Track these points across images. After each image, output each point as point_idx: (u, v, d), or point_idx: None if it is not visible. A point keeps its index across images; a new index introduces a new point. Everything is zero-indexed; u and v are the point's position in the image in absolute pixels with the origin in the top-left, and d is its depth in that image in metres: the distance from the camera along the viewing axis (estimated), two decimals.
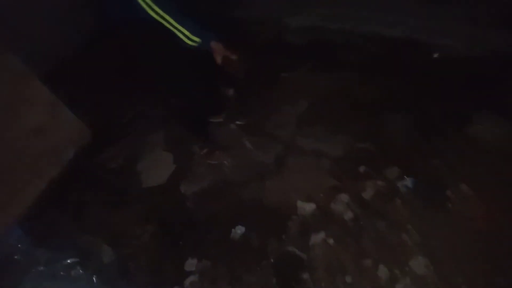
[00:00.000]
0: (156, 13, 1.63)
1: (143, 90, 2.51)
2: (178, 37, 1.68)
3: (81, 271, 1.76)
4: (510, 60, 1.97)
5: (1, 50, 1.34)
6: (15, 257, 1.73)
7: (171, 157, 2.23)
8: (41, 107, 1.48)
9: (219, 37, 1.72)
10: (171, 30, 1.66)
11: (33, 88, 1.44)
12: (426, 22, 2.09)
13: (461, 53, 2.09)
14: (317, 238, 1.69)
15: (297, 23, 2.48)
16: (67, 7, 2.43)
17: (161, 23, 1.65)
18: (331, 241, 1.67)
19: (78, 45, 2.53)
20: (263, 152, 2.14)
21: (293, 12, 2.41)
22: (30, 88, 1.43)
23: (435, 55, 2.09)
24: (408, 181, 1.78)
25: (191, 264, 1.77)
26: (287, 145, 2.14)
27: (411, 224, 1.60)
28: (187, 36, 1.68)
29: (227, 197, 1.99)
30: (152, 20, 1.64)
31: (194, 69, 2.00)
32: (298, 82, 2.42)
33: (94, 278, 1.74)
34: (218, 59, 1.73)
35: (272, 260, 1.68)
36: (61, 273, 1.75)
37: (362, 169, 1.91)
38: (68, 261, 1.82)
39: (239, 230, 1.84)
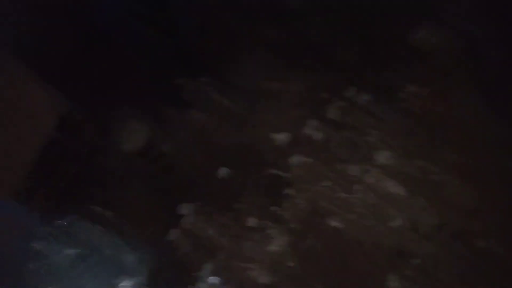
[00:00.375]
0: None
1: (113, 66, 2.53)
2: None
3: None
4: None
5: None
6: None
7: (146, 123, 2.32)
8: (12, 82, 1.54)
9: None
10: None
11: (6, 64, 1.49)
12: None
13: None
14: (294, 159, 1.86)
15: None
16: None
17: None
18: (306, 159, 1.85)
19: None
20: (232, 100, 2.27)
21: None
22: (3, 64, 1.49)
23: None
24: (365, 96, 1.97)
25: (184, 207, 1.90)
26: (252, 90, 2.28)
27: (371, 127, 1.80)
28: None
29: (206, 145, 2.12)
30: None
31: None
32: (251, 34, 2.55)
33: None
34: None
35: (257, 186, 1.84)
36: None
37: (323, 95, 2.09)
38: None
39: (224, 170, 1.98)
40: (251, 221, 1.74)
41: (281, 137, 1.98)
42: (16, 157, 1.62)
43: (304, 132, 1.96)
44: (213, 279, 1.73)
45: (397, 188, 1.57)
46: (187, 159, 2.11)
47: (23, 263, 1.86)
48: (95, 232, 1.81)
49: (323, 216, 1.62)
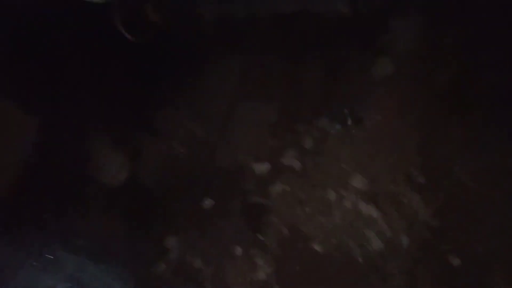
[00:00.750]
0: None
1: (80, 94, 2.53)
2: None
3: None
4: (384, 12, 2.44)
5: None
6: None
7: (122, 154, 2.33)
8: None
9: None
10: None
11: None
12: None
13: (348, 15, 2.52)
14: (274, 187, 1.96)
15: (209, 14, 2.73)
16: None
17: None
18: (286, 187, 1.95)
19: None
20: (205, 128, 2.36)
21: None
22: None
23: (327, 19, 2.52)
24: (337, 126, 2.13)
25: (169, 240, 1.93)
26: (226, 118, 2.38)
27: (345, 155, 1.95)
28: None
29: (187, 176, 2.17)
30: None
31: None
32: (222, 68, 2.67)
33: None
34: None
35: (241, 215, 1.91)
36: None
37: (299, 125, 2.22)
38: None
39: (206, 201, 2.04)
40: (237, 250, 1.80)
41: (262, 167, 2.08)
42: None
43: (282, 161, 2.07)
44: None
45: (373, 212, 1.71)
46: (169, 191, 2.15)
47: None
48: (80, 265, 1.78)
49: (305, 241, 1.72)
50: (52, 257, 1.80)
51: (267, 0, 2.56)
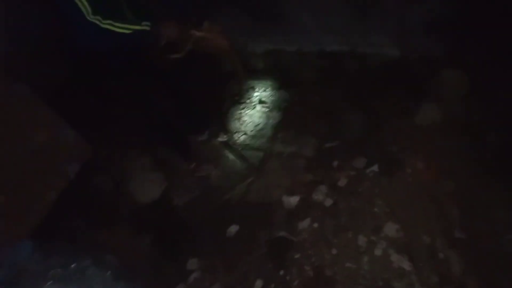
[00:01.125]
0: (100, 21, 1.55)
1: (125, 120, 2.67)
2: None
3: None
4: (434, 59, 2.40)
5: (12, 80, 1.53)
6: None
7: (161, 175, 2.40)
8: (45, 126, 1.66)
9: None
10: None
11: (38, 110, 1.62)
12: (362, 35, 2.52)
13: (395, 58, 2.51)
14: (303, 224, 1.92)
15: (259, 48, 2.83)
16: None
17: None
18: (315, 224, 1.91)
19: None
20: (245, 160, 2.38)
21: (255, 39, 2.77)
22: (36, 110, 1.62)
23: (373, 61, 2.51)
24: (374, 167, 2.07)
25: (192, 263, 1.92)
26: (265, 151, 2.40)
27: (380, 199, 1.88)
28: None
29: (218, 201, 2.19)
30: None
31: (169, 91, 2.24)
32: (267, 99, 2.72)
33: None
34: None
35: (265, 247, 1.88)
36: None
37: (334, 163, 2.19)
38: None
39: (233, 228, 2.03)
40: (257, 284, 1.76)
41: (292, 200, 2.05)
42: (37, 197, 1.68)
43: (314, 197, 2.04)
44: None
45: (404, 263, 1.62)
46: (198, 214, 2.17)
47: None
48: (105, 280, 1.82)
49: (328, 285, 1.65)
50: (78, 267, 1.84)
51: (316, 37, 2.61)
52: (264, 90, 2.77)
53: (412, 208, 1.79)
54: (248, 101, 2.71)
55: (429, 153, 2.05)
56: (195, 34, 1.68)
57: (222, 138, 2.53)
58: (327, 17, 2.52)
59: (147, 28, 1.62)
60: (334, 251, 1.75)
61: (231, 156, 2.43)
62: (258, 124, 2.57)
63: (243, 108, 2.68)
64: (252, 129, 2.55)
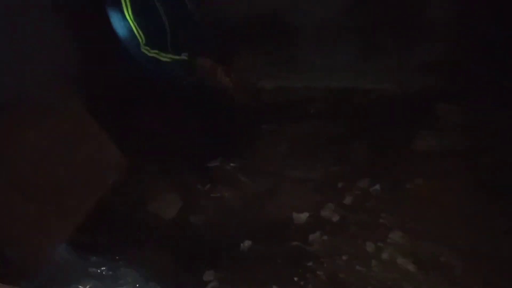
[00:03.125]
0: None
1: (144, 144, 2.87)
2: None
3: None
4: (430, 94, 2.66)
5: (67, 94, 1.77)
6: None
7: (177, 197, 2.56)
8: (92, 138, 1.87)
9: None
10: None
11: (86, 123, 1.84)
12: (365, 73, 2.83)
13: (395, 93, 2.78)
14: (314, 236, 2.05)
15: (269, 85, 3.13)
16: None
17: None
18: (325, 237, 2.04)
19: None
20: (257, 183, 2.56)
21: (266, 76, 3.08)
22: (85, 123, 1.84)
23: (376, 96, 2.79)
24: (377, 186, 2.25)
25: (208, 274, 2.02)
26: (276, 176, 2.58)
27: (384, 212, 2.03)
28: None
29: (232, 220, 2.33)
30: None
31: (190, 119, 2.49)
32: (276, 130, 2.96)
33: None
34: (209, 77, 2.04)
35: (278, 258, 1.99)
36: None
37: (340, 185, 2.37)
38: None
39: (247, 243, 2.15)
40: None
41: (302, 216, 2.20)
42: (80, 202, 1.84)
43: (322, 213, 2.19)
44: None
45: (410, 266, 1.74)
46: (213, 231, 2.30)
47: None
48: None
49: (341, 287, 1.75)
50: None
51: (322, 75, 2.91)
52: (274, 123, 3.01)
53: (415, 219, 1.94)
54: (258, 130, 2.94)
55: (428, 174, 2.23)
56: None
57: (235, 163, 2.72)
58: (333, 58, 2.85)
59: (186, 58, 1.97)
60: (344, 257, 1.87)
61: (243, 179, 2.61)
62: (269, 151, 2.77)
63: (254, 136, 2.90)
64: (263, 156, 2.75)
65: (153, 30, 1.90)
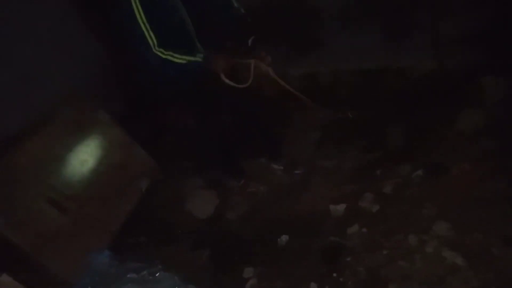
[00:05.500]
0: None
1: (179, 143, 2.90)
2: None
3: None
4: (470, 67, 2.45)
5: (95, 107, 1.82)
6: None
7: (214, 194, 2.57)
8: (121, 147, 1.91)
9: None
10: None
11: (115, 133, 1.88)
12: (397, 51, 2.64)
13: (432, 69, 2.59)
14: (352, 229, 1.98)
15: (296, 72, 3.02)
16: None
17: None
18: (364, 229, 1.96)
19: None
20: (290, 175, 2.51)
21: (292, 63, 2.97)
22: (113, 133, 1.87)
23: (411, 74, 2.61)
24: (419, 172, 2.12)
25: (248, 271, 2.02)
26: (310, 166, 2.52)
27: (428, 201, 1.91)
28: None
29: (267, 215, 2.31)
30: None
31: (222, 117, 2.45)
32: (306, 118, 2.86)
33: None
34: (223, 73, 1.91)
35: (316, 253, 1.95)
36: None
37: (378, 172, 2.26)
38: None
39: (284, 238, 2.12)
40: (312, 286, 1.82)
41: (339, 208, 2.13)
42: (116, 209, 1.90)
43: (360, 204, 2.10)
44: None
45: (457, 259, 1.63)
46: (249, 227, 2.29)
47: None
48: None
49: (385, 284, 1.68)
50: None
51: (350, 57, 2.76)
52: (303, 110, 2.92)
53: (461, 208, 1.81)
54: (288, 120, 2.87)
55: (473, 157, 2.06)
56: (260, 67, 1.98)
57: (268, 156, 2.68)
58: (360, 38, 2.69)
59: (200, 59, 1.89)
60: (385, 252, 1.79)
61: (277, 172, 2.57)
62: (301, 141, 2.70)
63: (285, 129, 2.83)
64: (295, 146, 2.68)
65: (168, 30, 1.85)
